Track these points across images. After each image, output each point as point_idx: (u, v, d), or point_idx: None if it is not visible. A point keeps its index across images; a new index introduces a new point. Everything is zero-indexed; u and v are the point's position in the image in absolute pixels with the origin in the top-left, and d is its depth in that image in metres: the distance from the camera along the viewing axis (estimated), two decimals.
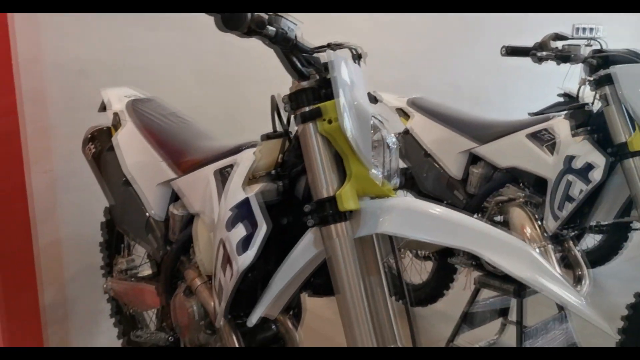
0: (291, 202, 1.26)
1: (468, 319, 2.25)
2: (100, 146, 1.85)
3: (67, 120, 2.22)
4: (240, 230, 1.17)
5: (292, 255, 1.18)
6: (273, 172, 1.28)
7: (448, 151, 2.29)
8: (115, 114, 1.83)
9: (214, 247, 1.27)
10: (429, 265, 2.68)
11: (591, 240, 3.09)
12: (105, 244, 2.11)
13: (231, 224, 1.20)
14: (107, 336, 2.40)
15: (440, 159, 2.31)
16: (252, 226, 1.17)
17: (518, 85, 3.93)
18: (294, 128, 1.28)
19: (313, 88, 1.13)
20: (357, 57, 1.23)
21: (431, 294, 2.59)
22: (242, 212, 1.19)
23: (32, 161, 2.15)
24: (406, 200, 1.13)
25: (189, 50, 2.52)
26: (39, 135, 2.18)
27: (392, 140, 1.18)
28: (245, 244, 1.16)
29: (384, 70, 2.99)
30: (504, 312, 2.38)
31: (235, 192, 1.23)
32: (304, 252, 1.16)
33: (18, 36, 2.05)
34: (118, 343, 2.17)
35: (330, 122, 1.10)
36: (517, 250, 1.05)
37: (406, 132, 2.43)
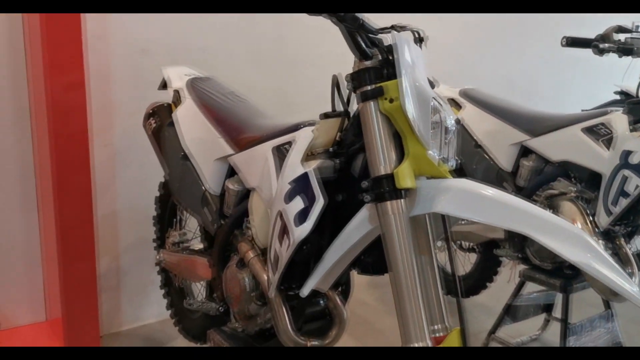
0: (347, 180, 1.30)
1: (511, 312, 2.24)
2: (160, 121, 1.92)
3: (129, 96, 2.32)
4: (298, 203, 1.22)
5: (346, 229, 1.22)
6: (331, 149, 1.31)
7: (499, 143, 2.27)
8: (176, 91, 1.90)
9: (271, 219, 1.32)
10: (473, 257, 2.67)
11: None
12: (158, 217, 2.20)
13: (289, 197, 1.24)
14: (157, 306, 2.50)
15: (490, 151, 2.30)
16: (310, 199, 1.20)
17: (573, 81, 3.84)
18: (352, 108, 1.31)
19: (376, 68, 1.16)
20: (419, 40, 1.25)
21: (474, 285, 2.58)
22: (301, 185, 1.23)
23: (95, 134, 2.25)
24: (462, 181, 1.14)
25: (246, 33, 2.58)
26: (102, 110, 2.27)
27: (451, 122, 1.20)
28: (302, 216, 1.20)
29: (436, 62, 2.96)
30: (548, 308, 2.36)
31: (294, 166, 1.27)
32: (358, 227, 1.20)
33: (87, 14, 2.15)
34: (167, 313, 2.26)
35: (391, 101, 1.13)
36: (571, 235, 1.05)
37: (457, 122, 2.42)
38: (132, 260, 2.48)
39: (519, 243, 2.11)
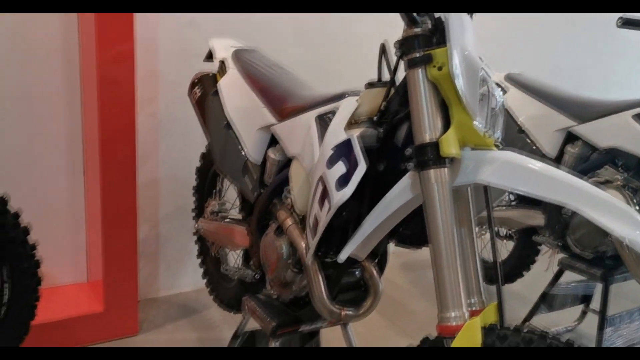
0: (389, 149, 1.29)
1: (547, 301, 2.21)
2: (204, 90, 1.95)
3: (174, 67, 2.36)
4: (340, 168, 1.22)
5: (387, 197, 1.21)
6: (374, 118, 1.31)
7: (543, 128, 2.22)
8: (221, 62, 1.92)
9: (312, 184, 1.33)
10: (509, 245, 2.64)
11: None
12: (198, 188, 2.24)
13: (331, 162, 1.24)
14: (193, 275, 2.55)
15: (534, 136, 2.25)
16: (352, 164, 1.20)
17: (623, 73, 3.72)
18: (397, 79, 1.30)
19: (425, 35, 1.14)
20: None
21: (510, 272, 2.55)
22: (343, 151, 1.23)
23: (140, 104, 2.30)
24: (507, 153, 1.13)
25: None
26: (148, 80, 2.32)
27: (499, 94, 1.18)
28: (343, 180, 1.20)
29: (480, 46, 2.92)
30: (585, 299, 2.31)
31: (337, 133, 1.27)
32: (400, 194, 1.19)
33: None
34: (202, 283, 2.30)
35: (439, 68, 1.11)
36: (619, 210, 1.02)
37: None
38: (171, 228, 2.54)
39: (559, 230, 2.07)
